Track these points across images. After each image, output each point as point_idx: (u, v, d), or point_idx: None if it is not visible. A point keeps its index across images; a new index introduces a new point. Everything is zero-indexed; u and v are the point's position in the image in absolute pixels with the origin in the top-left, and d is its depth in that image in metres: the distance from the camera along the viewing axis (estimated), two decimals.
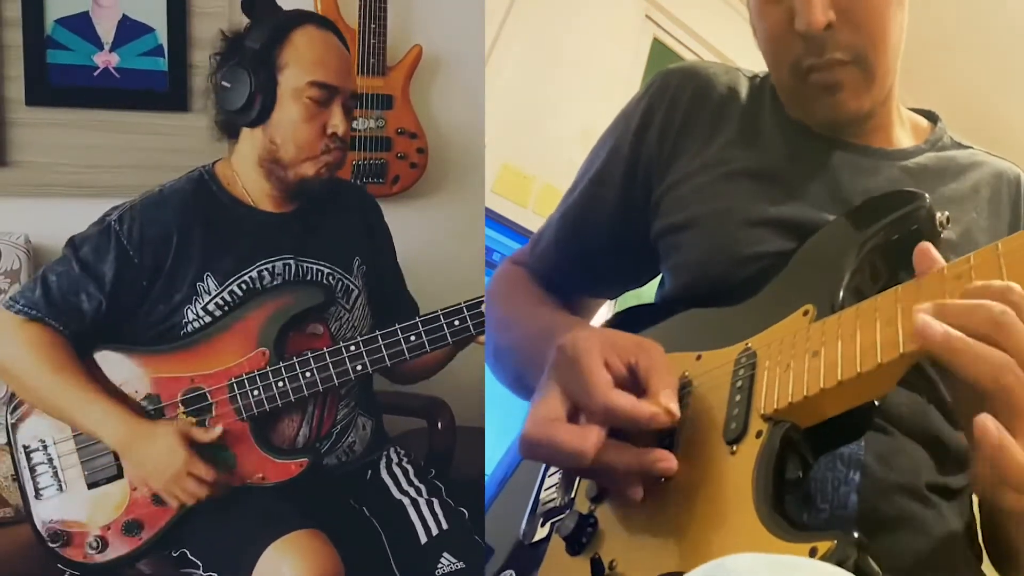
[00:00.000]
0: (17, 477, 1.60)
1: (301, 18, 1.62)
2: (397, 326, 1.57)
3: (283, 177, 1.61)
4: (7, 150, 2.11)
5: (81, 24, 2.15)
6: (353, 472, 1.70)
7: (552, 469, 1.10)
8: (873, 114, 1.05)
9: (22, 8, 2.08)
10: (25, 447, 1.59)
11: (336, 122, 1.58)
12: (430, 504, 1.62)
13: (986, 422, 0.67)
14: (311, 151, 1.59)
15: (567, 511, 0.96)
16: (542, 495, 1.08)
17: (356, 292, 1.70)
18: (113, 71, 2.18)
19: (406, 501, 1.64)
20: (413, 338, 1.56)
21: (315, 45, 1.59)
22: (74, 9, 2.14)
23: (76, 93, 2.16)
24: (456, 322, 1.56)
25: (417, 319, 1.57)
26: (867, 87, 1.01)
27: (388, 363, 1.58)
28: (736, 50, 3.19)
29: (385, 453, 1.74)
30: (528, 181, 2.62)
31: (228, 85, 1.58)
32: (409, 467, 1.72)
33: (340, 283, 1.68)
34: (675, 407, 0.85)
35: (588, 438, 0.83)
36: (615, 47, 2.90)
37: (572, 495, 1.02)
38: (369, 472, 1.72)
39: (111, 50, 2.18)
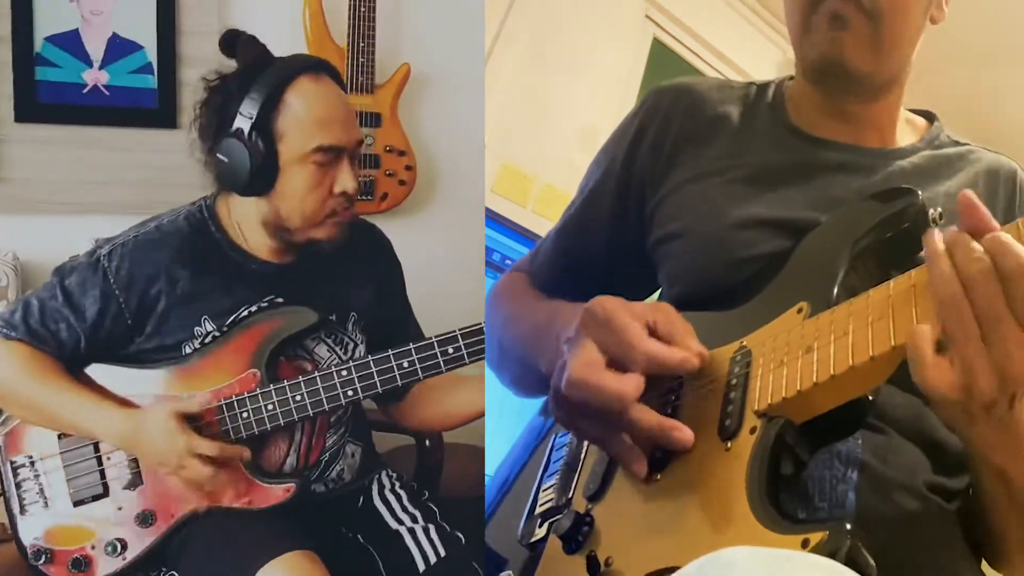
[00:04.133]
0: (3, 492, 1.57)
1: (292, 71, 1.47)
2: (390, 352, 1.52)
3: (290, 239, 1.54)
4: None
5: (70, 41, 2.15)
6: (344, 498, 1.66)
7: (550, 471, 1.10)
8: (875, 82, 1.04)
9: (12, 25, 2.09)
10: (12, 462, 1.57)
11: (345, 180, 1.49)
12: (427, 531, 1.59)
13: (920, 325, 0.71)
14: (320, 217, 1.51)
15: (564, 511, 0.97)
16: (540, 496, 1.09)
17: (353, 345, 1.65)
18: (102, 88, 2.18)
19: (403, 530, 1.60)
20: (406, 364, 1.51)
21: (314, 103, 1.46)
22: (64, 27, 2.14)
23: (65, 110, 2.15)
24: (450, 350, 1.50)
25: (411, 345, 1.52)
26: (871, 46, 1.00)
27: (380, 389, 1.53)
28: (736, 50, 3.18)
29: (376, 478, 1.70)
30: (528, 181, 2.62)
31: (225, 160, 1.48)
32: (402, 492, 1.67)
33: (336, 337, 1.62)
34: (704, 350, 0.91)
35: (629, 382, 0.88)
36: (615, 47, 2.91)
37: (570, 495, 1.02)
38: (361, 499, 1.67)
39: (100, 67, 2.18)
